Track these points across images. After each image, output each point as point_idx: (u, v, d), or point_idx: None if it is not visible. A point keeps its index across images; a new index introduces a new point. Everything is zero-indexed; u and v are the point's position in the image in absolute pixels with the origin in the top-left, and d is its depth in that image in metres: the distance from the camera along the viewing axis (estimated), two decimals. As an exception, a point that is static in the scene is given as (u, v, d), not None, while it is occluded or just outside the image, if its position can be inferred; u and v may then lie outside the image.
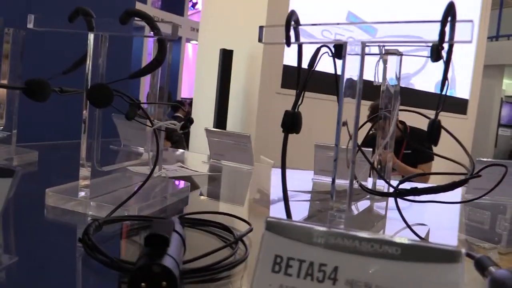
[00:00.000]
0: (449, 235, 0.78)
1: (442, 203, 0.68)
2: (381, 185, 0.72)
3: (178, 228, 0.46)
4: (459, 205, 0.95)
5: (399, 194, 0.63)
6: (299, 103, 0.62)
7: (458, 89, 4.54)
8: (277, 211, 0.85)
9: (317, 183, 1.10)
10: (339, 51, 0.69)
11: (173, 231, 0.44)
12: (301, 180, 1.16)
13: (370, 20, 4.22)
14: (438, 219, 0.88)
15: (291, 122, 0.59)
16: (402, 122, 2.84)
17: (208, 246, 0.54)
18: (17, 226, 0.60)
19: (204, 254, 0.48)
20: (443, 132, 0.61)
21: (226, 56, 3.77)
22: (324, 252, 0.30)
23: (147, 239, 0.39)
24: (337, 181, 1.08)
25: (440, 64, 0.57)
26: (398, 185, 0.65)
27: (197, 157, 1.40)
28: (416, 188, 0.63)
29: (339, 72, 0.58)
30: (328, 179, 1.13)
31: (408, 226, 0.62)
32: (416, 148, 2.47)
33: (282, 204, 0.89)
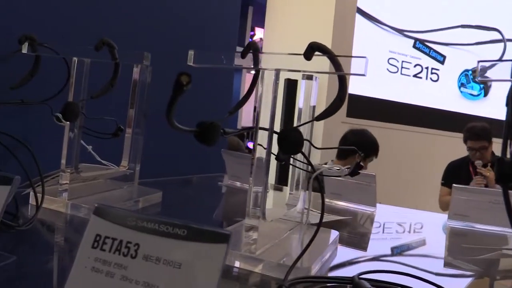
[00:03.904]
0: None
1: None
2: None
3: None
4: None
5: None
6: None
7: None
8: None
9: (454, 229, 0.99)
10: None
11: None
12: (434, 224, 1.05)
13: (440, 48, 4.10)
14: None
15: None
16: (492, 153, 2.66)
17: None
18: None
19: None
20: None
21: (291, 86, 3.72)
22: None
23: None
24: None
25: None
26: None
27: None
28: None
29: None
30: (466, 225, 1.01)
31: None
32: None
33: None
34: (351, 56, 0.54)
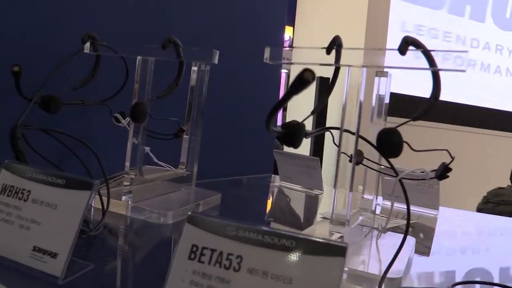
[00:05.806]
0: None
1: None
2: None
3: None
4: None
5: None
6: None
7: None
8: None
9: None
10: None
11: None
12: (501, 228, 0.99)
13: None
14: None
15: None
16: None
17: None
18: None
19: None
20: None
21: (324, 84, 3.66)
22: None
23: None
24: None
25: None
26: None
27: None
28: None
29: None
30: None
31: None
32: None
33: None
34: (451, 51, 0.49)
